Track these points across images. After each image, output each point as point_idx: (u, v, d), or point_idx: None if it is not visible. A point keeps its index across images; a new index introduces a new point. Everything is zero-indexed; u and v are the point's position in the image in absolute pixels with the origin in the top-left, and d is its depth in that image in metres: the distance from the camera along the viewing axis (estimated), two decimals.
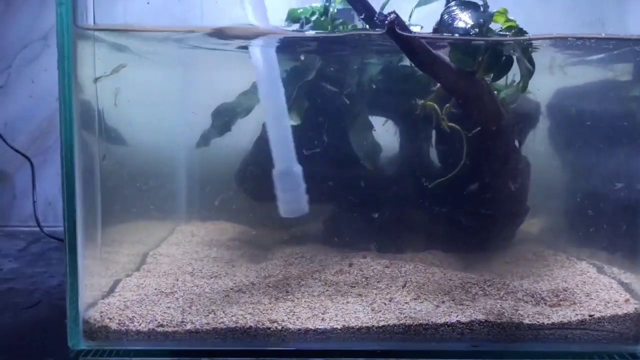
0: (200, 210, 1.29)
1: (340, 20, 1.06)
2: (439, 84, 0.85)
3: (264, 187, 1.09)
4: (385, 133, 1.10)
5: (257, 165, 1.08)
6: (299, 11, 1.06)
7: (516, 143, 0.89)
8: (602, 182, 0.91)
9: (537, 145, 1.04)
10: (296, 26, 1.06)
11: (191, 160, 1.26)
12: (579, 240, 0.98)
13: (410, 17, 1.01)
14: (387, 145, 1.12)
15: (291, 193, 0.84)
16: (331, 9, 1.07)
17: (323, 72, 1.01)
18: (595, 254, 0.92)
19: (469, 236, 1.01)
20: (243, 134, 1.11)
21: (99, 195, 0.76)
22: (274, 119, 0.82)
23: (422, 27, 0.98)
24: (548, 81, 1.03)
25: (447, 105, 0.86)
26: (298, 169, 0.83)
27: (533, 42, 0.80)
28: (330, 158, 1.04)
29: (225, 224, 1.25)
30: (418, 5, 0.98)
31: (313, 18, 1.03)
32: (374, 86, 1.02)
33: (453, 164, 0.92)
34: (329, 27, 1.02)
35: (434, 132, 1.06)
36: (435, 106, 0.86)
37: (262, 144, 1.09)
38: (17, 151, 1.60)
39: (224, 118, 1.06)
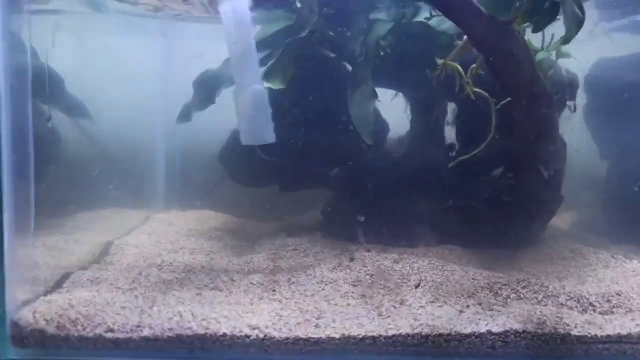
0: (181, 196, 1.13)
1: None
2: (464, 38, 0.69)
3: (252, 168, 0.95)
4: (394, 110, 0.95)
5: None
6: None
7: (571, 107, 0.73)
8: None
9: (573, 123, 0.88)
10: None
11: (171, 139, 1.10)
12: (623, 236, 0.83)
13: None
14: (396, 124, 0.97)
15: (253, 115, 0.74)
16: None
17: (320, 30, 0.86)
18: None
19: (493, 229, 0.86)
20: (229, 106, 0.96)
21: (32, 173, 0.60)
22: (238, 37, 0.73)
23: None
24: (589, 49, 0.88)
25: (473, 66, 0.70)
26: (261, 86, 0.75)
27: None
28: (328, 135, 0.89)
29: (209, 212, 1.11)
30: None
31: None
32: (381, 51, 0.87)
33: (476, 141, 0.77)
34: None
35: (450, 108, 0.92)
36: (458, 67, 0.70)
37: None
38: None
39: (207, 88, 0.91)
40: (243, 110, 0.70)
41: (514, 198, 0.85)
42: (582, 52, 0.85)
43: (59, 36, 0.74)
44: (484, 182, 0.89)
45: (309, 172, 0.95)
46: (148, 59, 1.10)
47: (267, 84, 0.77)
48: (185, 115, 0.89)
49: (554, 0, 0.62)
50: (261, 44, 0.88)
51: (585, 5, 0.69)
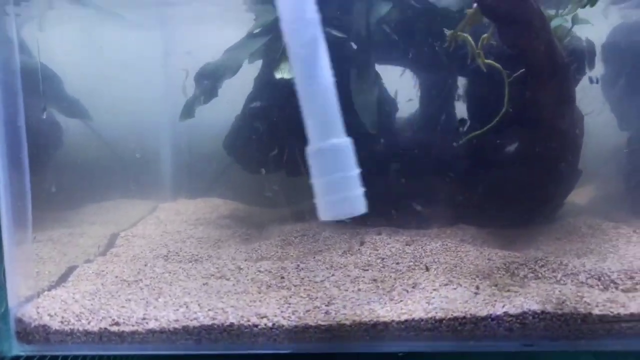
0: (188, 185, 1.12)
1: None
2: (474, 5, 0.65)
3: (256, 154, 0.93)
4: (403, 87, 0.92)
5: (248, 128, 0.91)
6: None
7: (594, 79, 0.69)
8: None
9: (590, 94, 0.84)
10: None
11: (177, 131, 1.09)
12: None
13: None
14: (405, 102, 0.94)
15: (338, 185, 0.53)
16: None
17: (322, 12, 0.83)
18: None
19: (509, 207, 0.83)
20: (233, 95, 0.94)
21: (26, 165, 0.58)
22: (308, 67, 0.53)
23: None
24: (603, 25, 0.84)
25: (485, 35, 0.66)
26: (346, 144, 0.52)
27: None
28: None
29: (217, 200, 1.09)
30: None
31: None
32: (387, 28, 0.83)
33: (489, 115, 0.73)
34: None
35: (460, 83, 0.88)
36: (468, 37, 0.67)
37: (252, 104, 0.91)
38: None
39: (210, 81, 0.89)
40: (324, 180, 0.52)
41: (530, 174, 0.82)
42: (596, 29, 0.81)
43: (48, 32, 0.72)
44: (501, 157, 0.86)
45: None
46: (146, 51, 1.09)
47: (277, 75, 0.74)
48: (188, 112, 0.87)
49: None
50: (263, 32, 0.85)
51: None
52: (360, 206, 0.53)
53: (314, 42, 0.53)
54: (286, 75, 0.79)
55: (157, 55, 1.10)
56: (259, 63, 0.93)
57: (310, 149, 0.53)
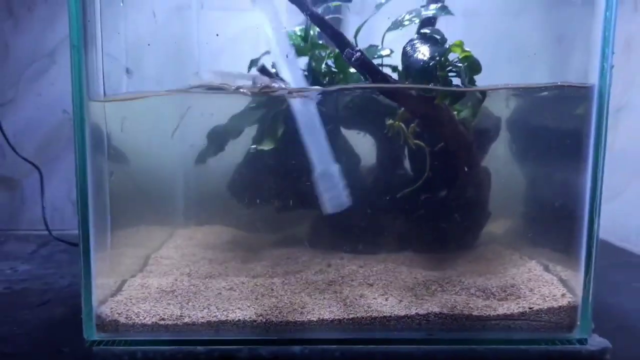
0: (197, 215, 1.41)
1: (321, 42, 1.18)
2: (403, 108, 0.97)
3: (253, 195, 1.23)
4: (365, 144, 1.23)
5: (246, 175, 1.21)
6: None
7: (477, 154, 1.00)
8: (548, 189, 1.04)
9: (498, 155, 1.16)
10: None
11: (190, 174, 1.37)
12: (533, 242, 1.10)
13: (382, 41, 1.13)
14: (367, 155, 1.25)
15: (332, 191, 0.97)
16: (311, 33, 1.19)
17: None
18: (544, 254, 1.04)
19: (438, 238, 1.14)
20: (236, 150, 1.23)
21: (108, 206, 0.88)
22: (309, 129, 0.95)
23: (391, 52, 1.10)
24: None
25: (412, 125, 0.98)
26: (335, 168, 0.96)
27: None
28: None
29: (221, 228, 1.37)
30: (388, 30, 1.10)
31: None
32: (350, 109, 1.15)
33: (421, 176, 1.04)
34: (309, 53, 1.14)
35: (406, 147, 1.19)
36: (402, 125, 0.98)
37: (250, 158, 1.21)
38: (25, 160, 1.72)
39: (218, 139, 1.19)
40: (324, 187, 0.94)
41: (453, 213, 1.13)
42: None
43: None
44: (432, 203, 1.17)
45: (299, 196, 1.23)
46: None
47: (259, 147, 1.04)
48: (201, 159, 1.17)
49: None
50: (259, 105, 1.16)
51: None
52: (345, 203, 0.96)
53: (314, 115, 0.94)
54: (266, 147, 1.10)
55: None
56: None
57: (316, 171, 0.96)
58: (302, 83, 0.99)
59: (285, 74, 0.97)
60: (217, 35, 1.10)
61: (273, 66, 1.06)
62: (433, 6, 1.07)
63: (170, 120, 1.20)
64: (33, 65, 1.74)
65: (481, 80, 0.96)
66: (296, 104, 0.96)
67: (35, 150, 1.76)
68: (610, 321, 1.00)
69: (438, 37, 0.93)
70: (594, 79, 0.81)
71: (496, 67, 1.10)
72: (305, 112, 0.97)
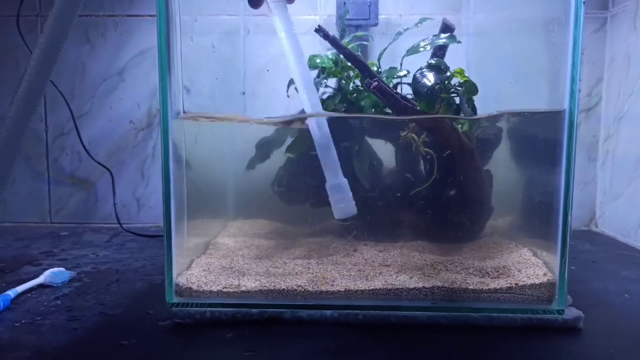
0: (245, 211, 1.66)
1: (350, 64, 1.41)
2: (414, 123, 1.19)
3: (293, 193, 1.47)
4: (387, 150, 1.46)
5: (287, 177, 1.45)
6: (317, 60, 1.42)
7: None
8: (535, 187, 1.24)
9: (501, 160, 1.37)
10: (314, 72, 1.42)
11: (240, 177, 1.63)
12: (527, 232, 1.31)
13: (401, 64, 1.36)
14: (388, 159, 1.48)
15: (342, 201, 1.17)
16: (341, 57, 1.43)
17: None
18: (535, 243, 1.24)
19: (448, 230, 1.35)
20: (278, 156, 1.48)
21: (185, 203, 1.13)
22: (323, 147, 1.16)
23: (408, 72, 1.33)
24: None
25: (422, 136, 1.20)
26: (344, 181, 1.17)
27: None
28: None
29: (264, 222, 1.61)
30: (406, 54, 1.32)
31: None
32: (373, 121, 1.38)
33: (431, 177, 1.26)
34: (339, 75, 1.37)
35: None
36: (414, 136, 1.21)
37: (289, 164, 1.46)
38: (99, 163, 2.02)
39: (264, 149, 1.44)
40: (335, 196, 1.15)
41: (460, 209, 1.34)
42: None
43: None
44: (443, 200, 1.38)
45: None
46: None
47: (287, 153, 1.28)
48: (251, 166, 1.42)
49: (459, 105, 1.11)
50: (289, 130, 1.40)
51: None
52: (353, 211, 1.16)
53: (327, 136, 1.12)
54: (292, 155, 1.34)
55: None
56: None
57: (328, 184, 1.17)
58: (319, 107, 1.21)
59: (303, 99, 1.19)
60: (268, 71, 1.34)
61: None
62: (443, 35, 1.29)
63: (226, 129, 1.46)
64: (105, 83, 2.04)
65: (485, 99, 1.18)
66: (313, 126, 1.19)
67: (107, 155, 2.06)
68: (590, 299, 1.20)
69: (442, 66, 1.15)
70: (565, 104, 1.00)
71: (502, 87, 1.32)
72: (320, 134, 1.20)
